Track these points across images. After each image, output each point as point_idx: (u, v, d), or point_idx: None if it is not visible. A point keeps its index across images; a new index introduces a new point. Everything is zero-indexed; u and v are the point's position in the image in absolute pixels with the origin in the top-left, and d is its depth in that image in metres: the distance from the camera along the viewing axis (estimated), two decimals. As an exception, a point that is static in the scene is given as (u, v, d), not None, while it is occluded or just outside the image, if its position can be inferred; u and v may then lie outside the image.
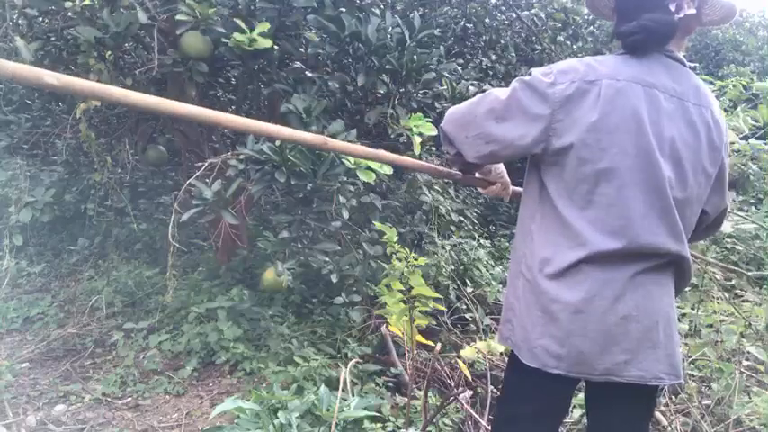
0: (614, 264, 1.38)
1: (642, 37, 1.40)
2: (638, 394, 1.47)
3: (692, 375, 2.87)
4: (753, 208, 4.99)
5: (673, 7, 1.38)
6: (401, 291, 2.18)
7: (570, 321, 1.40)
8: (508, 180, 1.83)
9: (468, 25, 5.14)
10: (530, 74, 1.44)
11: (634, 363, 1.39)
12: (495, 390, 2.75)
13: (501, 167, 1.79)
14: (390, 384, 3.18)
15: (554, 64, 1.45)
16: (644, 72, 1.39)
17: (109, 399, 3.03)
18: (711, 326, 2.93)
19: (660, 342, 1.41)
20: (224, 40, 2.75)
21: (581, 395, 2.60)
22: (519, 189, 1.94)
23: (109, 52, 3.01)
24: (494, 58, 5.16)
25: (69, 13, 2.80)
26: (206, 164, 2.91)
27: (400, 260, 2.17)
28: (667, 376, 1.42)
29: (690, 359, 2.84)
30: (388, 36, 3.03)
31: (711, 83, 3.31)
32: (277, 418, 2.28)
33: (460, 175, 1.79)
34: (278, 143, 2.81)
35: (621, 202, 1.36)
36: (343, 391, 2.24)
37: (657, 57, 1.43)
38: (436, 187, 4.21)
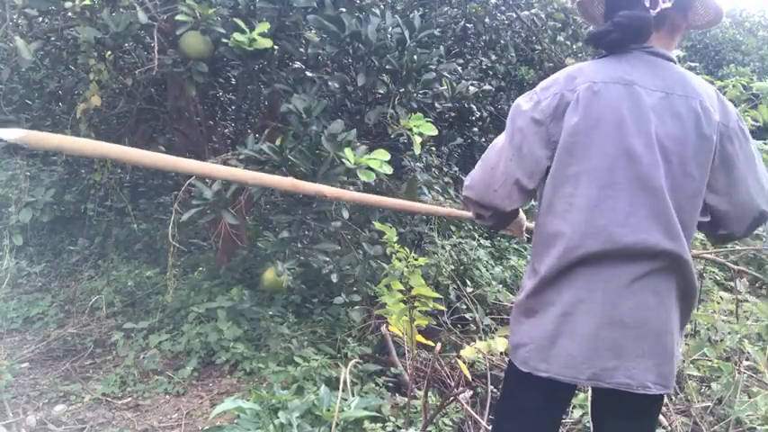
0: (606, 267, 1.38)
1: (617, 35, 1.42)
2: (641, 402, 1.46)
3: (693, 376, 2.87)
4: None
5: (648, 3, 1.40)
6: (401, 291, 2.18)
7: (558, 324, 1.41)
8: (523, 225, 1.89)
9: (468, 25, 5.14)
10: (514, 105, 1.49)
11: (622, 370, 1.39)
12: (495, 390, 2.75)
13: (521, 216, 1.84)
14: (390, 384, 3.18)
15: (535, 87, 1.49)
16: (623, 71, 1.41)
17: (109, 399, 3.03)
18: (712, 327, 2.93)
19: (650, 351, 1.40)
20: (224, 40, 2.75)
21: (581, 395, 2.60)
22: (531, 225, 1.99)
23: (109, 52, 3.01)
24: (494, 58, 5.15)
25: (69, 13, 2.80)
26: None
27: (400, 260, 2.17)
28: (654, 386, 1.41)
29: (690, 359, 2.84)
30: (388, 36, 3.03)
31: (711, 83, 3.31)
32: (277, 418, 2.28)
33: (470, 215, 1.82)
34: (278, 142, 2.82)
35: (604, 202, 1.36)
36: (343, 391, 2.24)
37: (637, 54, 1.44)
38: (436, 187, 4.21)
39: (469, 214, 1.86)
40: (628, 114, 1.36)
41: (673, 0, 1.40)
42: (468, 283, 4.15)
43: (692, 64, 5.46)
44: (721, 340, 2.79)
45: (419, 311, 2.21)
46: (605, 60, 1.45)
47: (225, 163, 2.90)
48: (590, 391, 1.70)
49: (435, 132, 2.82)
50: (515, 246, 5.01)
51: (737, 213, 1.50)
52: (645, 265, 1.37)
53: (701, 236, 2.97)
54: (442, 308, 2.76)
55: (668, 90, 1.40)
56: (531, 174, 1.46)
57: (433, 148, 4.42)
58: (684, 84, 1.43)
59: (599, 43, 1.47)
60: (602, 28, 1.46)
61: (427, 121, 2.79)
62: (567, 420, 2.65)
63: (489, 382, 2.72)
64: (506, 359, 1.59)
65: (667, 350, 1.42)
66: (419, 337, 2.29)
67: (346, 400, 2.39)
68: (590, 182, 1.37)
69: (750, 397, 2.67)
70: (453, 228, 4.54)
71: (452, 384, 2.88)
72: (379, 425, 2.62)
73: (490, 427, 2.28)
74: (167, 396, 3.10)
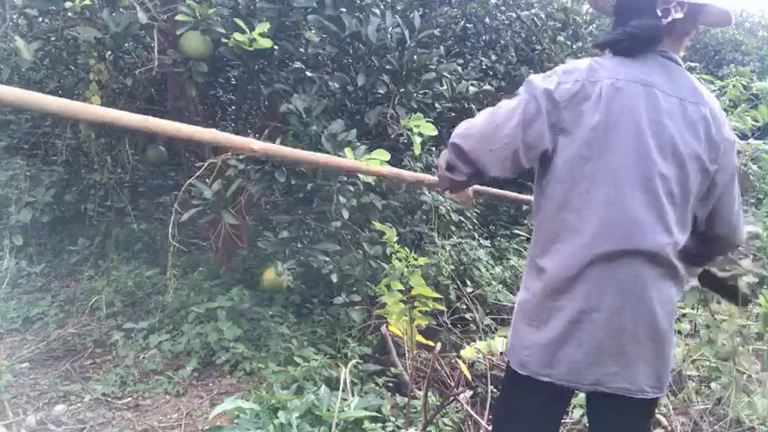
0: (616, 270, 1.37)
1: (628, 44, 1.43)
2: (637, 403, 1.47)
3: (692, 376, 2.87)
4: (753, 208, 4.98)
5: (660, 12, 1.41)
6: (401, 291, 2.18)
7: (566, 331, 1.41)
8: (470, 193, 1.94)
9: (468, 25, 5.14)
10: (530, 79, 1.45)
11: (623, 375, 1.41)
12: (495, 390, 2.75)
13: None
14: (390, 384, 3.18)
15: (554, 68, 1.47)
16: (642, 72, 1.41)
17: (109, 399, 3.03)
18: (709, 327, 2.92)
19: (650, 357, 1.42)
20: (224, 40, 2.75)
21: (582, 395, 2.60)
22: (482, 188, 2.02)
23: (109, 52, 3.01)
24: (494, 58, 5.15)
25: (69, 13, 2.80)
26: (206, 164, 2.91)
27: (400, 260, 2.17)
28: (651, 389, 1.44)
29: (690, 359, 2.84)
30: (388, 36, 3.03)
31: (711, 83, 3.32)
32: (277, 418, 2.28)
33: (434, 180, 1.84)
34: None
35: (619, 200, 1.37)
36: (343, 391, 2.24)
37: (653, 56, 1.45)
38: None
39: (434, 179, 1.87)
40: (646, 115, 1.37)
41: (685, 11, 1.41)
42: (468, 283, 4.15)
43: (692, 64, 5.46)
44: (723, 344, 2.79)
45: (419, 311, 2.21)
46: (624, 59, 1.45)
47: (225, 163, 2.90)
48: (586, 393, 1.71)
49: (435, 132, 2.82)
50: (515, 246, 5.01)
51: (718, 225, 1.56)
52: (653, 270, 1.39)
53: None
54: (442, 308, 2.76)
55: (682, 96, 1.42)
56: (530, 149, 1.42)
57: (433, 148, 4.41)
58: (695, 91, 1.45)
59: (611, 49, 1.47)
60: (613, 36, 1.46)
61: (427, 121, 2.79)
62: (567, 420, 2.65)
63: (489, 382, 2.72)
64: (506, 359, 1.58)
65: (665, 355, 1.45)
66: (419, 337, 2.29)
67: (346, 400, 2.39)
68: (607, 180, 1.37)
69: (750, 397, 2.67)
70: (453, 228, 4.54)
71: (452, 384, 2.88)
72: (379, 425, 2.62)
73: (490, 428, 2.27)
74: (167, 396, 3.09)
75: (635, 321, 1.38)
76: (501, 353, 2.51)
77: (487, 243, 4.81)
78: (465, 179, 1.60)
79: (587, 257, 1.38)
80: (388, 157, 2.57)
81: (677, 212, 1.40)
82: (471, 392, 2.93)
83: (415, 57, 3.13)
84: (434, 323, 3.30)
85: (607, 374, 1.40)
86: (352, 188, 3.10)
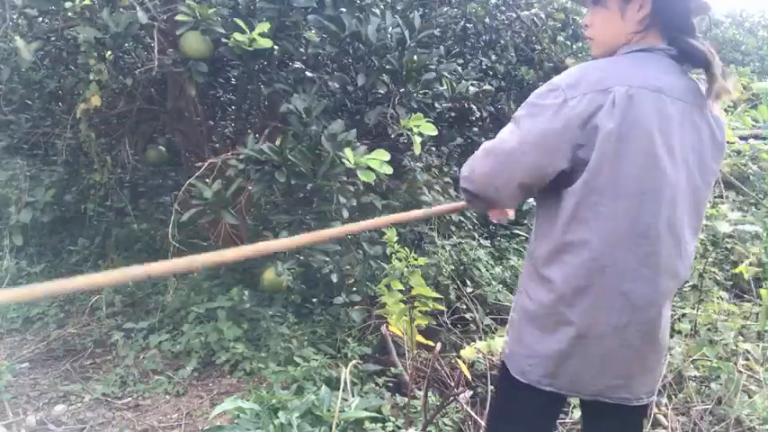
0: (624, 282, 1.35)
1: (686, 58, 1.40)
2: (632, 407, 1.49)
3: (693, 377, 2.87)
4: (753, 208, 4.98)
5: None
6: (401, 291, 2.18)
7: (571, 346, 1.39)
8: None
9: (468, 25, 5.14)
10: (532, 101, 1.37)
11: (625, 387, 1.43)
12: (495, 390, 2.75)
13: None
14: (390, 384, 3.18)
15: (555, 79, 1.37)
16: (651, 75, 1.34)
17: (109, 399, 3.03)
18: (710, 325, 2.93)
19: (652, 367, 1.46)
20: (224, 40, 2.75)
21: (581, 395, 2.60)
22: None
23: (109, 52, 3.01)
24: (494, 58, 5.15)
25: (69, 13, 2.80)
26: (206, 164, 2.92)
27: (400, 260, 2.17)
28: (646, 396, 1.48)
29: (690, 359, 2.84)
30: (388, 36, 3.03)
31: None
32: (277, 418, 2.28)
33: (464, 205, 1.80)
34: (278, 142, 2.82)
35: (629, 213, 1.33)
36: (343, 391, 2.24)
37: (660, 56, 1.38)
38: (436, 187, 4.20)
39: (463, 204, 1.81)
40: (656, 124, 1.31)
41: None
42: (468, 283, 4.15)
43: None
44: (721, 339, 2.79)
45: (419, 311, 2.21)
46: (632, 60, 1.37)
47: (225, 163, 2.90)
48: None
49: (435, 132, 2.82)
50: (515, 246, 5.01)
51: None
52: (662, 285, 1.38)
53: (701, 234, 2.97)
54: (442, 308, 2.76)
55: (687, 99, 1.37)
56: (542, 177, 1.37)
57: (433, 148, 4.41)
58: (697, 93, 1.40)
59: (684, 51, 1.40)
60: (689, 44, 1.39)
61: (427, 121, 2.79)
62: (567, 420, 2.65)
63: (489, 382, 2.72)
64: (503, 360, 1.58)
65: (661, 362, 1.50)
66: (419, 337, 2.30)
67: (346, 400, 2.39)
68: (617, 192, 1.32)
69: (750, 396, 2.67)
70: (453, 228, 4.54)
71: (452, 384, 2.88)
72: (379, 425, 2.62)
73: (486, 427, 2.27)
74: (167, 396, 3.10)
75: (640, 337, 1.39)
76: (501, 352, 2.51)
77: (487, 243, 4.81)
78: (485, 208, 1.63)
79: (594, 271, 1.35)
80: (387, 156, 2.58)
81: (691, 221, 1.39)
82: (471, 392, 2.94)
83: (415, 57, 3.13)
84: (434, 323, 3.30)
85: (609, 387, 1.42)
86: (352, 188, 3.10)
